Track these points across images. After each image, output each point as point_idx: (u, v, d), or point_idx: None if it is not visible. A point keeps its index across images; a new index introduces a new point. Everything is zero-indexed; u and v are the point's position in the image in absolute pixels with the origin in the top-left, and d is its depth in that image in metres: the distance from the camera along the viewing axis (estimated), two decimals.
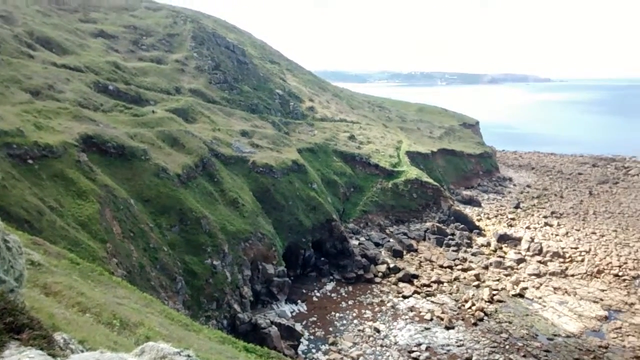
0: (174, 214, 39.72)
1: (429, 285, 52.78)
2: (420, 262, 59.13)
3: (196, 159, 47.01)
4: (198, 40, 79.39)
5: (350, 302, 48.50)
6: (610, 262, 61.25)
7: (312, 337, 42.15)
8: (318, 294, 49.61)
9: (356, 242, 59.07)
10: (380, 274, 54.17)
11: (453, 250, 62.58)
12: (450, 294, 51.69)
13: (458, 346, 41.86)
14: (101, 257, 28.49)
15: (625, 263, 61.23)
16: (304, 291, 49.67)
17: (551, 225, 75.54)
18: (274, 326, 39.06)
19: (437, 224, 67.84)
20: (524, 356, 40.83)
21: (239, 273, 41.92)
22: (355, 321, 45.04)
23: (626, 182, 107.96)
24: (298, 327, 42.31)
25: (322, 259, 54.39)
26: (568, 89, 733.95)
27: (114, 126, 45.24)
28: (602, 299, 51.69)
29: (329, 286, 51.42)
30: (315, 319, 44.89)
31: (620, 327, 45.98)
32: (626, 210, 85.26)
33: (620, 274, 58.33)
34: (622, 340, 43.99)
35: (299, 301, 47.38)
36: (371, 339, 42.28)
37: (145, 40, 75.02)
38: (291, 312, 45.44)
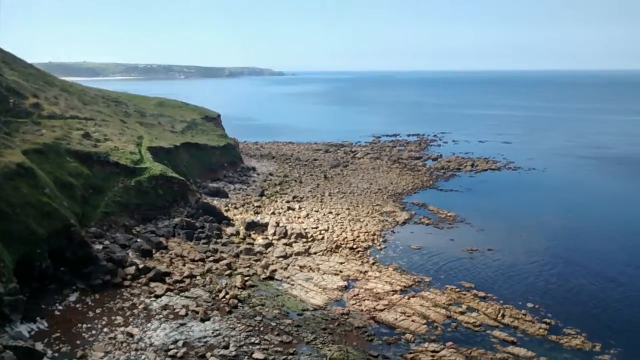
0: None
1: (181, 281, 51.92)
2: (172, 258, 57.88)
3: None
4: None
5: (98, 311, 45.22)
6: (346, 237, 67.68)
7: (56, 354, 38.23)
8: (60, 307, 45.16)
9: (100, 247, 55.17)
10: (129, 277, 51.53)
11: (204, 243, 62.58)
12: (204, 286, 51.66)
13: (215, 336, 42.07)
14: None
15: (358, 237, 68.26)
16: (44, 306, 44.74)
17: (293, 209, 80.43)
18: (8, 351, 34.47)
19: (186, 219, 67.11)
20: (278, 334, 42.81)
21: None
22: (105, 329, 42.18)
23: (354, 165, 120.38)
24: (39, 346, 38.02)
25: (62, 268, 49.54)
26: (298, 82, 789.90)
27: None
28: (341, 271, 56.76)
29: (73, 297, 47.17)
30: (59, 334, 40.80)
31: (357, 294, 51.03)
32: (356, 190, 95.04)
33: (354, 247, 64.78)
34: (360, 305, 48.89)
35: (37, 318, 42.48)
36: (124, 344, 40.04)
37: None
38: (29, 332, 40.56)
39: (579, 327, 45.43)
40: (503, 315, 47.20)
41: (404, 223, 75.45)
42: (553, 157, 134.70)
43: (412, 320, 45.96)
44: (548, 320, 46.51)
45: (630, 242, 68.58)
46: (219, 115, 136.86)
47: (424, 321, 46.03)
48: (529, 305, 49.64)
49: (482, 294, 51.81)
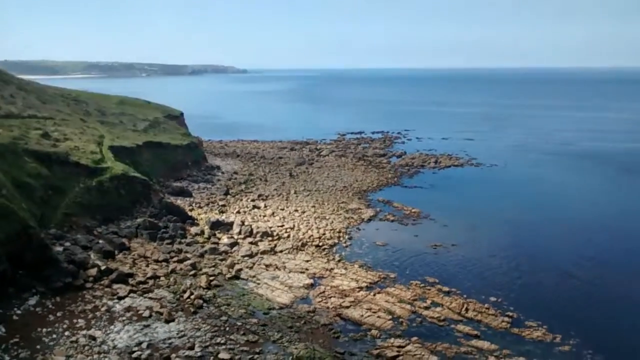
0: None
1: (145, 282, 51.14)
2: (134, 259, 56.95)
3: None
4: None
5: (59, 314, 44.18)
6: (312, 235, 67.70)
7: None
8: (19, 312, 43.92)
9: (61, 249, 53.93)
10: (91, 279, 50.50)
11: (167, 243, 61.77)
12: (168, 287, 51.01)
13: (180, 337, 41.60)
14: None
15: (324, 234, 68.36)
16: (1, 311, 43.35)
17: (259, 208, 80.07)
18: None
19: (149, 219, 66.13)
20: (244, 334, 42.59)
21: None
22: (66, 333, 41.25)
23: (319, 163, 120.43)
24: None
25: (21, 271, 48.22)
26: (263, 80, 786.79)
27: None
28: (307, 269, 56.79)
29: (32, 301, 45.93)
30: (17, 339, 39.66)
31: (324, 292, 51.15)
32: (321, 187, 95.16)
33: (320, 244, 64.90)
34: (326, 302, 49.01)
35: None
36: (87, 348, 39.24)
37: None
38: None
39: (540, 319, 46.45)
40: (467, 310, 47.95)
41: (369, 220, 75.91)
42: (514, 153, 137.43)
43: (378, 317, 46.29)
44: (510, 314, 47.45)
45: (587, 236, 70.48)
46: (181, 114, 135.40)
47: (390, 317, 46.42)
48: (492, 299, 50.55)
49: (446, 288, 52.51)
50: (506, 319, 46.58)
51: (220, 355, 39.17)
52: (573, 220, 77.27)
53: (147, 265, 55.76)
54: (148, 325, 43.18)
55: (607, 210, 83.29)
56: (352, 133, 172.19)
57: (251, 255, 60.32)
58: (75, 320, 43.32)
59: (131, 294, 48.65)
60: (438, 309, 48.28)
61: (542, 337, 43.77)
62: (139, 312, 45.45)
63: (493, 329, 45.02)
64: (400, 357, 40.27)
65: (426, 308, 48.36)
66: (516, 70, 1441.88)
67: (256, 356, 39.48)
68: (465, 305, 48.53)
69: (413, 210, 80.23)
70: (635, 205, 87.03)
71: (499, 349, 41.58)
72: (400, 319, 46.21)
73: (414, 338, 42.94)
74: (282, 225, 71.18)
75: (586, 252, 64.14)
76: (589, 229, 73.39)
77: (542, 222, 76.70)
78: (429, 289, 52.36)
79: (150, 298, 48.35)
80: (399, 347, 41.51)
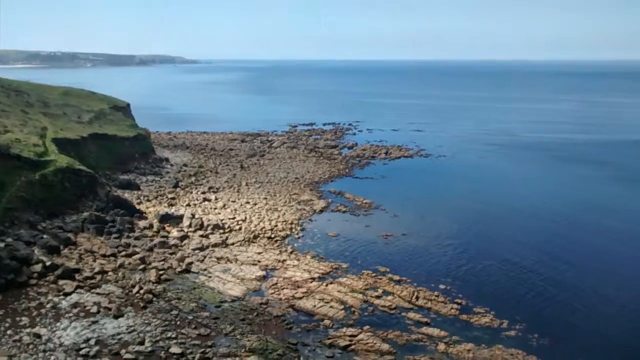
0: None
1: (92, 277, 49.86)
2: (81, 254, 55.42)
3: None
4: None
5: (0, 313, 42.62)
6: (264, 227, 67.47)
7: None
8: None
9: (2, 244, 51.97)
10: (35, 275, 48.89)
11: (115, 238, 60.36)
12: (117, 282, 49.90)
13: (129, 332, 40.80)
14: None
15: (276, 226, 68.24)
16: None
17: (210, 200, 79.14)
18: None
19: (96, 213, 64.45)
20: (195, 328, 42.15)
21: None
22: (9, 332, 39.80)
23: (271, 154, 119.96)
24: None
25: None
26: (213, 70, 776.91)
27: None
28: (259, 261, 56.61)
29: None
30: None
31: (276, 283, 51.13)
32: (273, 179, 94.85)
33: (272, 236, 64.78)
34: (279, 294, 49.02)
35: None
36: (31, 346, 38.00)
37: None
38: None
39: (488, 305, 47.76)
40: (417, 298, 48.80)
41: (321, 211, 76.19)
42: (462, 144, 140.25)
43: (331, 307, 46.59)
44: (459, 301, 48.58)
45: (531, 224, 72.93)
46: (128, 105, 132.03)
47: (342, 307, 46.79)
48: (442, 286, 51.65)
49: (397, 277, 53.33)
50: (455, 306, 47.66)
51: (172, 350, 38.64)
52: (517, 209, 79.61)
53: (95, 260, 54.38)
54: (96, 321, 42.16)
55: (549, 199, 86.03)
56: (303, 124, 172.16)
57: (202, 249, 59.63)
58: (18, 318, 41.87)
59: (78, 290, 47.37)
60: (389, 297, 48.96)
61: (489, 323, 44.98)
62: (87, 308, 44.32)
63: (443, 316, 46.00)
64: (353, 346, 40.70)
65: (377, 297, 48.97)
66: (483, 63, 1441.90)
67: (208, 349, 39.13)
68: (415, 294, 49.38)
69: (364, 201, 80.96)
70: (575, 194, 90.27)
71: (448, 336, 42.52)
72: (353, 309, 46.65)
73: (366, 327, 43.46)
74: (233, 218, 70.62)
75: (530, 239, 66.27)
76: (532, 217, 75.77)
77: (488, 211, 78.72)
78: (380, 278, 53.03)
79: (98, 293, 47.20)
80: (351, 336, 41.91)
